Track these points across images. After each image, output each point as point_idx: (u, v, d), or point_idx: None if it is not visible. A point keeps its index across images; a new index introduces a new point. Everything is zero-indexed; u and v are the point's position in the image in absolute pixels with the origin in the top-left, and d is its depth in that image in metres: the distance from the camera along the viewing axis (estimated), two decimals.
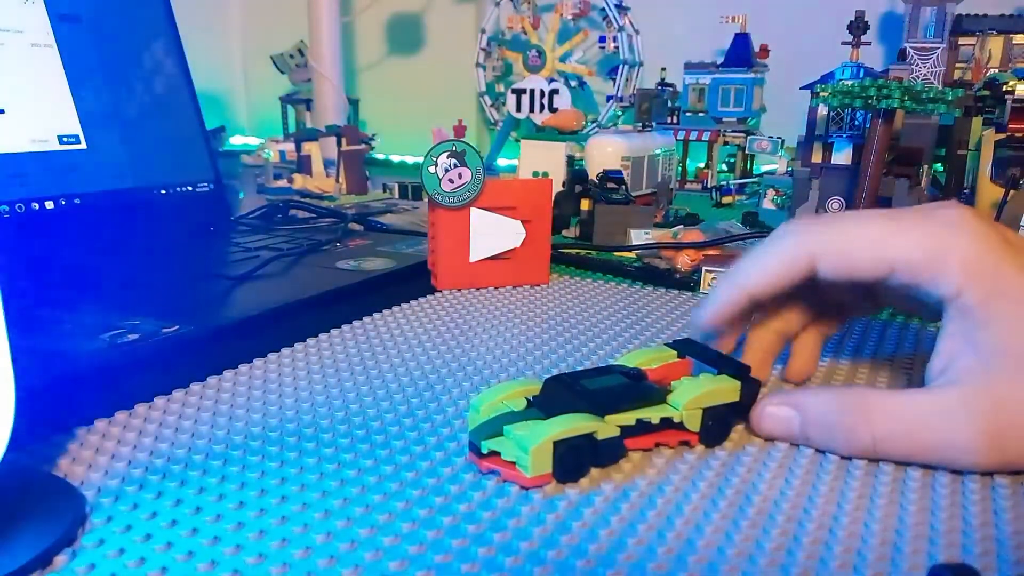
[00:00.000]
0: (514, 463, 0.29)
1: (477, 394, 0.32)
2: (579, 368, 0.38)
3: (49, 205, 0.62)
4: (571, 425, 0.29)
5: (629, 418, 0.31)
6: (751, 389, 0.33)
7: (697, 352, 0.36)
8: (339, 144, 1.06)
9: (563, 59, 1.40)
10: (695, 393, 0.32)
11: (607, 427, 0.30)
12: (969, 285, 0.30)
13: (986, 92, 0.81)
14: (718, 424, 0.32)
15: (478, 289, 0.57)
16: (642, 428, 0.31)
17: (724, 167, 1.19)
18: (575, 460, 0.29)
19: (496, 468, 0.29)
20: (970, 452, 0.29)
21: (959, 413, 0.29)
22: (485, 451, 0.29)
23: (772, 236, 0.35)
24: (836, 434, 0.31)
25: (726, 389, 0.32)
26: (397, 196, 1.05)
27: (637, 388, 0.32)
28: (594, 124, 1.33)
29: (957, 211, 0.31)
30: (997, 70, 0.99)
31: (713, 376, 0.33)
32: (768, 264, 0.34)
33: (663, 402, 0.32)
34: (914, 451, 0.30)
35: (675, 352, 0.36)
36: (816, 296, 0.37)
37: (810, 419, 0.32)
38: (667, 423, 0.32)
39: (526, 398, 0.32)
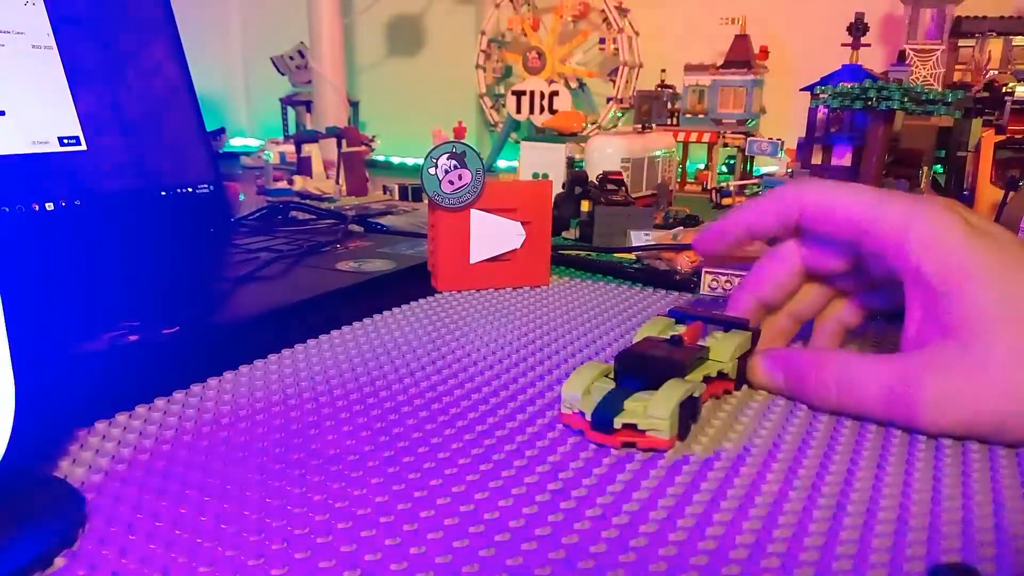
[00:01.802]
0: (645, 432, 0.31)
1: (566, 382, 0.34)
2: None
3: (49, 206, 0.62)
4: (683, 388, 0.32)
5: (698, 375, 0.35)
6: (757, 338, 0.39)
7: (698, 315, 0.40)
8: (339, 146, 1.07)
9: (563, 61, 1.40)
10: (733, 346, 0.37)
11: (698, 385, 0.34)
12: (923, 258, 0.33)
13: (986, 94, 0.81)
14: (742, 369, 0.38)
15: (478, 290, 0.57)
16: (705, 383, 0.35)
17: (724, 169, 1.19)
18: (687, 418, 0.33)
19: (631, 440, 0.32)
20: (924, 407, 0.32)
21: (918, 372, 0.32)
22: (618, 426, 0.31)
23: (770, 191, 0.40)
24: (807, 388, 0.35)
25: (746, 339, 0.38)
26: (397, 197, 1.05)
27: (691, 351, 0.36)
28: (594, 126, 1.33)
29: (931, 196, 0.35)
30: (997, 72, 0.99)
31: (731, 332, 0.38)
32: (764, 202, 0.39)
33: (708, 359, 0.36)
34: (873, 405, 0.33)
35: (674, 320, 0.41)
36: (829, 282, 0.40)
37: (789, 373, 0.36)
38: (719, 375, 0.36)
39: (606, 376, 0.35)
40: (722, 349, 0.37)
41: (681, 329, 0.39)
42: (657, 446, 0.31)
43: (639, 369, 0.34)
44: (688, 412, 0.33)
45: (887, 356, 0.34)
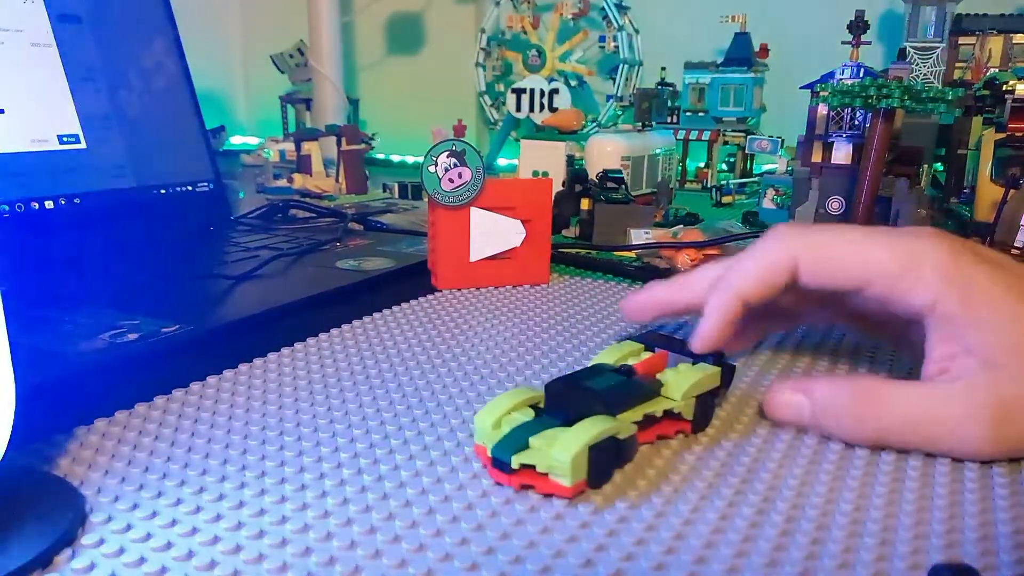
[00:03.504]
0: (547, 474, 0.28)
1: (480, 410, 0.31)
2: (573, 369, 0.38)
3: (49, 205, 0.62)
4: (600, 428, 0.29)
5: (637, 414, 0.31)
6: (729, 373, 0.36)
7: (667, 343, 0.37)
8: (339, 144, 1.06)
9: (563, 59, 1.40)
10: (689, 383, 0.33)
11: (626, 426, 0.30)
12: (945, 293, 0.31)
13: (986, 91, 0.81)
14: (705, 410, 0.34)
15: (478, 289, 0.57)
16: (647, 422, 0.32)
17: (724, 167, 1.19)
18: (606, 463, 0.29)
19: (529, 483, 0.28)
20: (972, 441, 0.30)
21: (963, 405, 0.31)
22: (516, 467, 0.28)
23: (758, 242, 0.36)
24: (843, 421, 0.32)
25: (710, 376, 0.34)
26: (397, 196, 1.05)
27: (638, 384, 0.33)
28: (594, 124, 1.33)
29: (929, 230, 0.34)
30: (997, 69, 0.99)
31: (697, 366, 0.35)
32: (756, 269, 0.35)
33: (658, 395, 0.33)
34: (918, 440, 0.31)
35: (642, 346, 0.37)
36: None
37: (819, 406, 0.33)
38: (668, 415, 0.32)
39: (530, 406, 0.31)
40: (677, 385, 0.32)
41: (643, 357, 0.36)
42: (556, 492, 0.28)
43: (564, 401, 0.31)
44: (608, 456, 0.29)
45: (926, 386, 0.32)
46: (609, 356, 0.36)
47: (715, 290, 0.35)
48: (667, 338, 0.38)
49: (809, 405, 0.33)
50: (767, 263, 0.35)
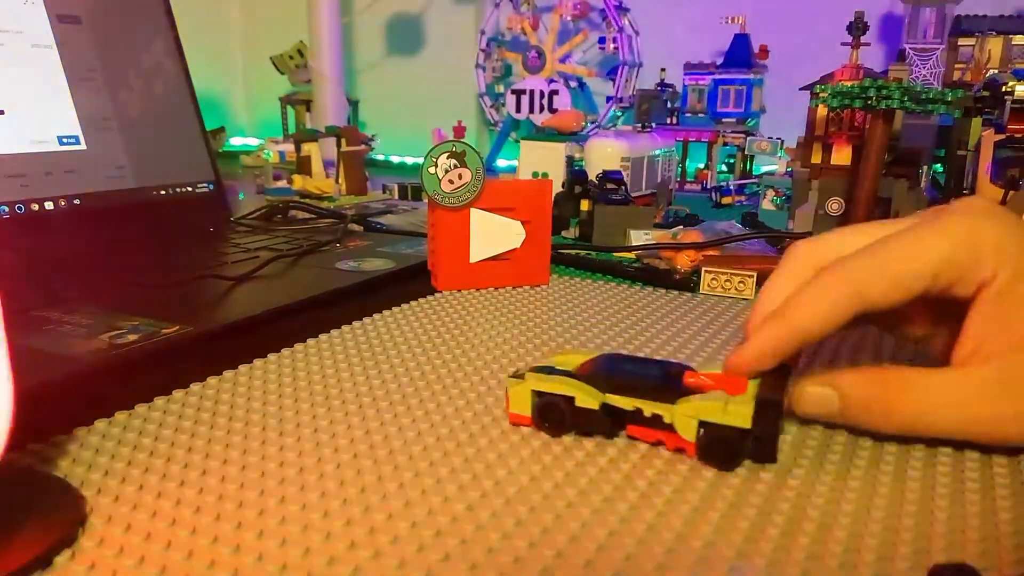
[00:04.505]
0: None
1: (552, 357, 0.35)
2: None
3: (49, 206, 0.62)
4: (555, 383, 0.33)
5: (628, 403, 0.32)
6: (767, 419, 0.30)
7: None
8: (339, 145, 1.07)
9: (563, 60, 1.40)
10: (693, 400, 0.31)
11: (587, 398, 0.32)
12: (1003, 268, 0.30)
13: (986, 93, 0.81)
14: (721, 445, 0.30)
15: (478, 289, 0.57)
16: (639, 418, 0.32)
17: (724, 168, 1.19)
18: (553, 415, 0.33)
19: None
20: (1007, 423, 0.30)
21: (997, 388, 0.30)
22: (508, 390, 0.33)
23: (815, 280, 0.32)
24: (874, 412, 0.32)
25: (733, 411, 0.30)
26: (397, 197, 1.05)
27: (656, 381, 0.32)
28: (594, 125, 1.33)
29: (975, 202, 0.32)
30: (996, 71, 0.99)
31: (727, 396, 0.31)
32: (820, 307, 0.31)
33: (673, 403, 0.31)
34: (951, 427, 0.31)
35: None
36: None
37: (849, 398, 0.32)
38: (659, 420, 0.31)
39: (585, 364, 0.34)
40: (688, 399, 0.31)
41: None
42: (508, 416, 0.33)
43: (600, 369, 0.33)
44: (557, 412, 0.33)
45: (958, 371, 0.31)
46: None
47: (772, 319, 0.32)
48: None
49: (837, 397, 0.32)
50: (831, 300, 0.31)
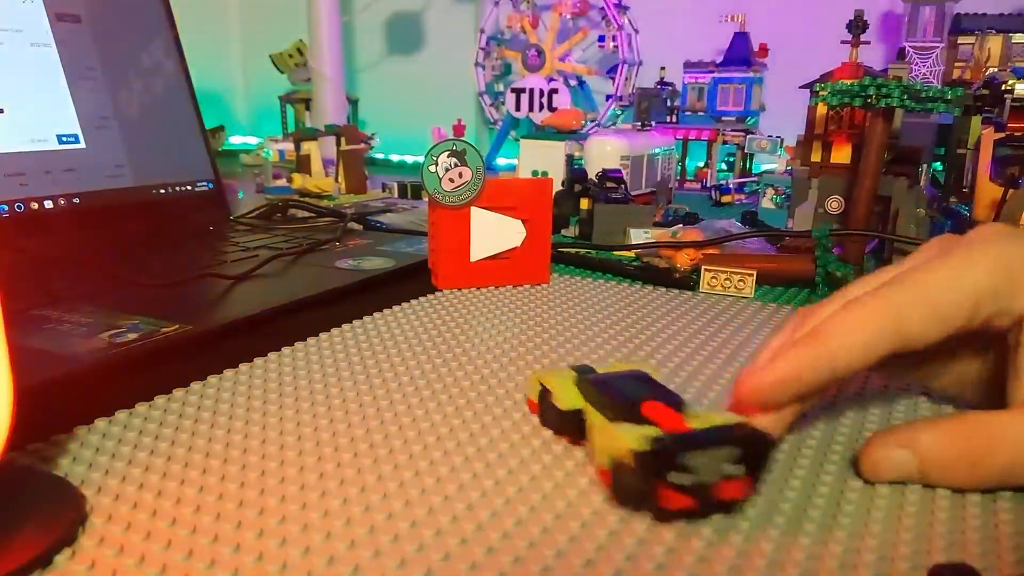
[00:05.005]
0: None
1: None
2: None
3: (48, 204, 0.62)
4: (555, 379, 0.33)
5: (588, 416, 0.31)
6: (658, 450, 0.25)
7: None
8: (338, 143, 1.07)
9: (562, 58, 1.40)
10: (610, 433, 0.27)
11: (563, 399, 0.32)
12: None
13: (985, 91, 0.81)
14: (633, 485, 0.26)
15: (478, 289, 0.57)
16: (578, 421, 0.31)
17: (723, 166, 1.19)
18: (542, 404, 0.34)
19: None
20: None
21: None
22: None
23: (848, 310, 0.29)
24: (959, 470, 0.28)
25: (633, 442, 0.25)
26: (396, 195, 1.05)
27: (623, 402, 0.30)
28: (593, 123, 1.33)
29: (993, 228, 0.30)
30: (996, 69, 0.99)
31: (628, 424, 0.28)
32: (858, 334, 0.28)
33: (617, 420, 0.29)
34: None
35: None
36: None
37: (928, 458, 0.29)
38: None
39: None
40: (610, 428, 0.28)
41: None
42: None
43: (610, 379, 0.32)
44: (545, 403, 0.34)
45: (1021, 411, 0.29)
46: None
47: (803, 342, 0.29)
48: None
49: (915, 460, 0.29)
50: (872, 330, 0.28)
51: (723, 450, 0.25)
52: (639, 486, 0.26)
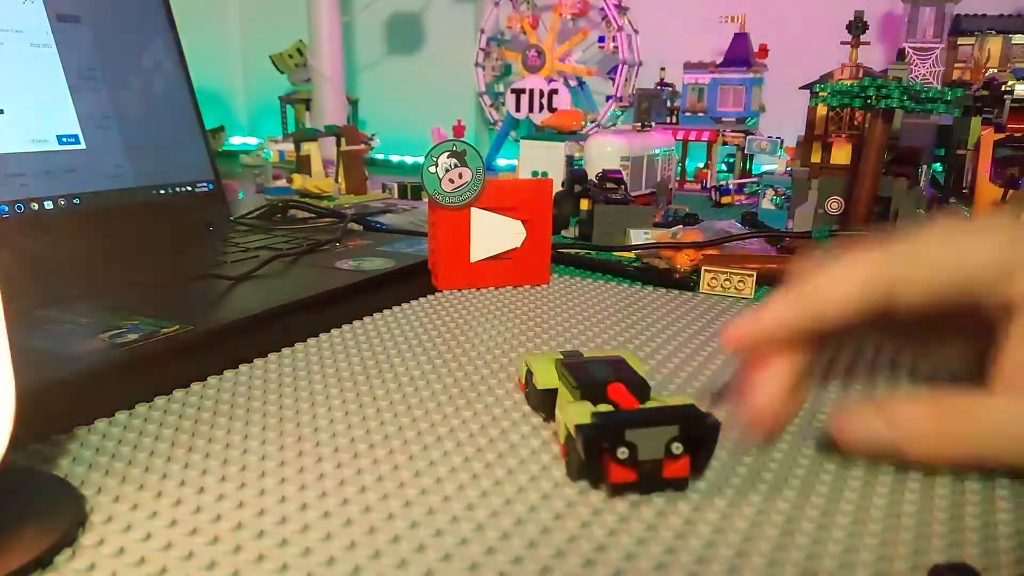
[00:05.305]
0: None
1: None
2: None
3: (48, 205, 0.62)
4: (542, 362, 0.34)
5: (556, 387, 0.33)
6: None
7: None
8: (338, 144, 1.06)
9: (562, 59, 1.40)
10: (565, 409, 0.30)
11: (542, 379, 0.34)
12: None
13: (985, 92, 0.81)
14: (582, 455, 0.28)
15: (478, 289, 0.57)
16: (552, 400, 0.33)
17: (723, 167, 1.19)
18: (528, 383, 0.36)
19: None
20: None
21: None
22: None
23: (840, 261, 0.30)
24: (930, 444, 0.29)
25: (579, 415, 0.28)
26: (396, 196, 1.05)
27: (592, 382, 0.31)
28: (593, 124, 1.33)
29: (1006, 217, 0.30)
30: (996, 70, 0.99)
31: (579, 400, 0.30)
32: (841, 284, 0.29)
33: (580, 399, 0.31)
34: (1010, 456, 0.29)
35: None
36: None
37: (903, 429, 0.29)
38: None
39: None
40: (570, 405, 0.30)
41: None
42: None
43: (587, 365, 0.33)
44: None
45: (1017, 395, 0.29)
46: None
47: (788, 292, 0.29)
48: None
49: (887, 430, 0.29)
50: (860, 280, 0.29)
51: (663, 428, 0.27)
52: (581, 459, 0.28)
